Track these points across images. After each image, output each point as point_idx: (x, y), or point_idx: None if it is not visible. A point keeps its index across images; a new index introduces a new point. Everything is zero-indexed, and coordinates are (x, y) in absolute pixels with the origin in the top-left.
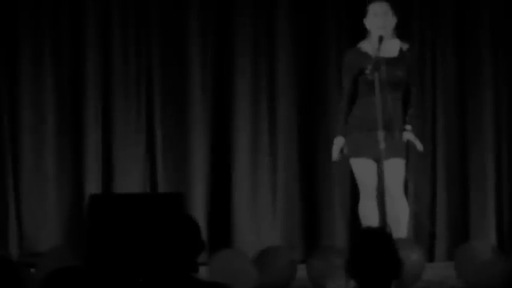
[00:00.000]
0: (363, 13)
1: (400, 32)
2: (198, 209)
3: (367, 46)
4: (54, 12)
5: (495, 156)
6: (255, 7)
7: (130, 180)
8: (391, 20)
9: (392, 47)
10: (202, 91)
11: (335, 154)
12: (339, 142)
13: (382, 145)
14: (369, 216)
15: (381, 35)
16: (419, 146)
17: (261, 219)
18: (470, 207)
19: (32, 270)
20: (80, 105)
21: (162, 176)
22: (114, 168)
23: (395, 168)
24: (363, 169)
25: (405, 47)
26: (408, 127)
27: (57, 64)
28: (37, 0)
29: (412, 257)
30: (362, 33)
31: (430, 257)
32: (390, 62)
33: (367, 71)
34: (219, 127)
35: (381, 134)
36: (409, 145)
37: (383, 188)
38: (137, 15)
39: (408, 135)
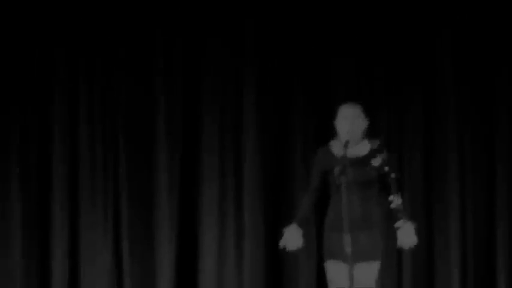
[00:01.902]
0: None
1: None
2: None
3: (336, 147)
4: (22, 108)
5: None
6: (222, 111)
7: None
8: (361, 124)
9: (362, 149)
10: (168, 197)
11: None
12: (290, 230)
13: (348, 249)
14: None
15: (347, 140)
16: (411, 243)
17: None
18: None
19: None
20: (47, 222)
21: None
22: (81, 277)
23: (365, 272)
24: (333, 271)
25: (375, 144)
26: (401, 216)
27: (24, 174)
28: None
29: None
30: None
31: None
32: (358, 163)
33: (335, 174)
34: (185, 245)
35: (347, 238)
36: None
37: None
38: (104, 120)
39: (406, 229)
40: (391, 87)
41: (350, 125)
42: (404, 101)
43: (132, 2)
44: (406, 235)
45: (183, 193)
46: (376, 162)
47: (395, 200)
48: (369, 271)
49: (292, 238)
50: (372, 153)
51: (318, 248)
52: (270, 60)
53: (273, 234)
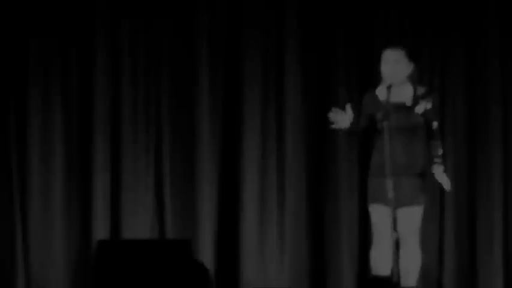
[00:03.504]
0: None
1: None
2: (206, 256)
3: (381, 92)
4: (64, 59)
5: (503, 206)
6: (262, 55)
7: (138, 227)
8: (404, 68)
9: (405, 94)
10: (210, 138)
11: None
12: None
13: (391, 194)
14: (379, 263)
15: (390, 84)
16: (446, 185)
17: (269, 266)
18: (477, 257)
19: None
20: (88, 151)
21: (170, 222)
22: (122, 214)
23: (408, 217)
24: (377, 215)
25: (421, 91)
26: (438, 161)
27: (65, 112)
28: (46, 47)
29: None
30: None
31: None
32: (401, 108)
33: (378, 119)
34: (228, 175)
35: (389, 183)
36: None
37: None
38: (147, 61)
39: (436, 171)
40: (434, 31)
41: (393, 68)
42: (448, 44)
43: None
44: (440, 178)
45: (225, 137)
46: (420, 109)
47: (435, 147)
48: (411, 216)
49: (342, 116)
50: (417, 100)
51: (363, 192)
52: (312, 8)
53: (314, 179)
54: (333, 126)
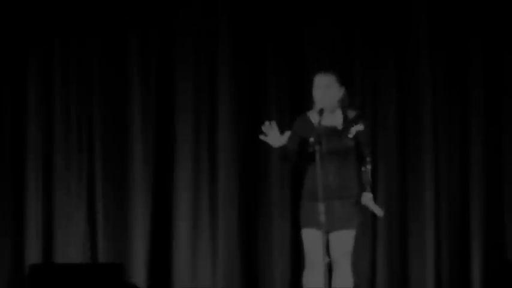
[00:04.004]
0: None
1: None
2: (139, 277)
3: (313, 115)
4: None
5: (434, 227)
6: (195, 75)
7: (71, 251)
8: (335, 92)
9: (336, 118)
10: (143, 163)
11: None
12: (273, 129)
13: (322, 218)
14: (312, 285)
15: (321, 108)
16: (378, 211)
17: (202, 285)
18: (410, 281)
19: None
20: (21, 178)
21: (103, 246)
22: (55, 238)
23: (340, 241)
24: (309, 239)
25: (352, 114)
26: (367, 188)
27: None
28: None
29: None
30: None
31: None
32: (333, 132)
33: (310, 143)
34: (160, 195)
35: (321, 206)
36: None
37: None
38: (79, 80)
39: (366, 200)
40: (365, 51)
41: (323, 93)
42: (379, 65)
43: None
44: (370, 205)
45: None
46: (351, 133)
47: (364, 175)
48: (344, 239)
49: (273, 134)
50: (348, 123)
51: (295, 217)
52: (244, 26)
53: (247, 201)
54: (264, 138)
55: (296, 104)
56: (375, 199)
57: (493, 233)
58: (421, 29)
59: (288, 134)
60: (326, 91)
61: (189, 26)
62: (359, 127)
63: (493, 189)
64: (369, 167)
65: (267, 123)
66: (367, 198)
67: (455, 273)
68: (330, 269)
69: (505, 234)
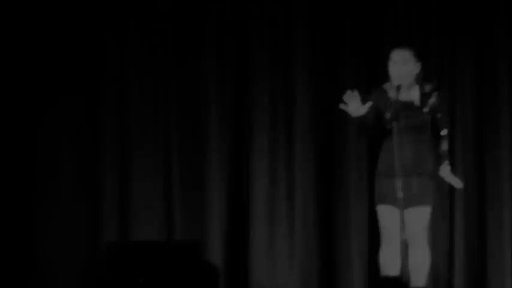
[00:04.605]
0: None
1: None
2: (216, 257)
3: (389, 91)
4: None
5: None
6: (271, 65)
7: (147, 228)
8: (412, 68)
9: (413, 93)
10: (221, 138)
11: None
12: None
13: (400, 194)
14: (388, 264)
15: (399, 84)
16: (457, 183)
17: (279, 267)
18: (487, 257)
19: None
20: (97, 150)
21: (180, 224)
22: (131, 215)
23: (416, 217)
24: (386, 216)
25: (428, 88)
26: (445, 163)
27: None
28: None
29: None
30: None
31: None
32: (410, 108)
33: (387, 118)
34: (237, 176)
35: (398, 182)
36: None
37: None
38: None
39: (444, 172)
40: (442, 30)
41: (401, 69)
42: (456, 44)
43: None
44: (449, 178)
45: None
46: (427, 107)
47: (443, 146)
48: (420, 216)
49: (354, 104)
50: (424, 98)
51: (371, 192)
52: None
53: (324, 179)
54: (344, 107)
55: (372, 79)
56: (453, 172)
57: None
58: (502, 18)
59: (369, 104)
60: (404, 67)
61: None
62: (435, 100)
63: None
64: (445, 132)
65: (348, 92)
66: (445, 170)
67: None
68: (406, 246)
69: None
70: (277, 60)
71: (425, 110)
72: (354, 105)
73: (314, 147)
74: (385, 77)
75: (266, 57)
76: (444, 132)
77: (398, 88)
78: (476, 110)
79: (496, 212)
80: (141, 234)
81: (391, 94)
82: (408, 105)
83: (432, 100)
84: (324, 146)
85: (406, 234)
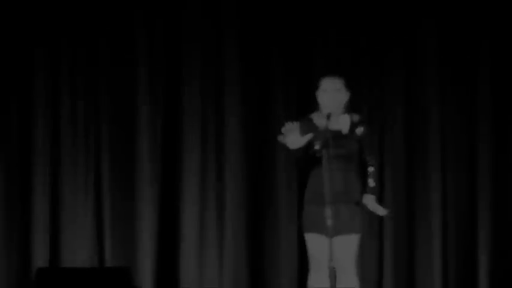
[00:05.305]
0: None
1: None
2: (146, 282)
3: (318, 119)
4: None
5: (441, 235)
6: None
7: (78, 255)
8: (342, 96)
9: (343, 122)
10: (151, 162)
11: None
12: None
13: (329, 222)
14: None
15: (329, 112)
16: (381, 211)
17: None
18: (416, 284)
19: None
20: (28, 179)
21: (110, 251)
22: (62, 242)
23: (345, 245)
24: (314, 244)
25: (356, 119)
26: (369, 193)
27: (7, 141)
28: None
29: None
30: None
31: None
32: (339, 136)
33: (316, 147)
34: (167, 199)
35: (328, 211)
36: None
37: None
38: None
39: (368, 200)
40: (372, 59)
41: (331, 97)
42: (386, 72)
43: None
44: (372, 206)
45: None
46: (356, 136)
47: (370, 183)
48: (349, 244)
49: (294, 136)
50: (352, 128)
51: (299, 221)
52: (250, 32)
53: (254, 204)
54: (283, 139)
55: (303, 106)
56: (381, 201)
57: (500, 242)
58: (430, 44)
59: (309, 136)
60: (334, 95)
61: (196, 31)
62: (363, 131)
63: (501, 198)
64: (372, 169)
65: (288, 123)
66: (369, 199)
67: (462, 281)
68: (334, 274)
69: None
70: (207, 89)
71: (354, 139)
72: (293, 137)
73: (244, 175)
74: (314, 105)
75: (197, 90)
76: (371, 169)
77: (328, 116)
78: (406, 139)
79: (424, 248)
80: (72, 261)
81: (321, 122)
82: (337, 134)
83: (360, 130)
84: (254, 174)
85: (334, 262)
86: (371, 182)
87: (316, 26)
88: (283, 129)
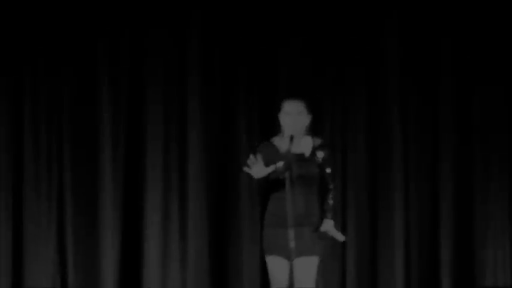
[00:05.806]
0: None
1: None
2: None
3: (279, 142)
4: None
5: (404, 255)
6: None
7: (40, 278)
8: (304, 119)
9: (304, 144)
10: (113, 188)
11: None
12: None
13: (292, 244)
14: None
15: (292, 135)
16: (339, 237)
17: None
18: None
19: None
20: None
21: (73, 275)
22: (24, 266)
23: (306, 267)
24: (275, 266)
25: (317, 142)
26: (328, 218)
27: None
28: None
29: None
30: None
31: None
32: (301, 159)
33: (278, 169)
34: (130, 223)
35: (291, 233)
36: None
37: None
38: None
39: (327, 226)
40: (335, 79)
41: (294, 120)
42: (348, 93)
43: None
44: (331, 231)
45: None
46: (317, 159)
47: (329, 200)
48: (310, 266)
49: (258, 166)
50: (315, 150)
51: (260, 243)
52: (215, 52)
53: (217, 226)
54: (247, 170)
55: (265, 129)
56: (344, 225)
57: (462, 260)
58: (392, 58)
59: (273, 167)
60: (297, 118)
61: (160, 49)
62: (324, 154)
63: (463, 225)
64: (331, 194)
65: (252, 156)
66: (328, 224)
67: None
68: None
69: (474, 261)
70: (170, 115)
71: (315, 162)
72: (257, 169)
73: (207, 195)
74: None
75: (160, 110)
76: (331, 186)
77: (291, 138)
78: (368, 157)
79: (386, 273)
80: (34, 282)
81: (283, 145)
82: (299, 157)
83: (321, 154)
84: (217, 194)
85: (295, 283)
86: (330, 200)
87: (280, 35)
88: (248, 161)
